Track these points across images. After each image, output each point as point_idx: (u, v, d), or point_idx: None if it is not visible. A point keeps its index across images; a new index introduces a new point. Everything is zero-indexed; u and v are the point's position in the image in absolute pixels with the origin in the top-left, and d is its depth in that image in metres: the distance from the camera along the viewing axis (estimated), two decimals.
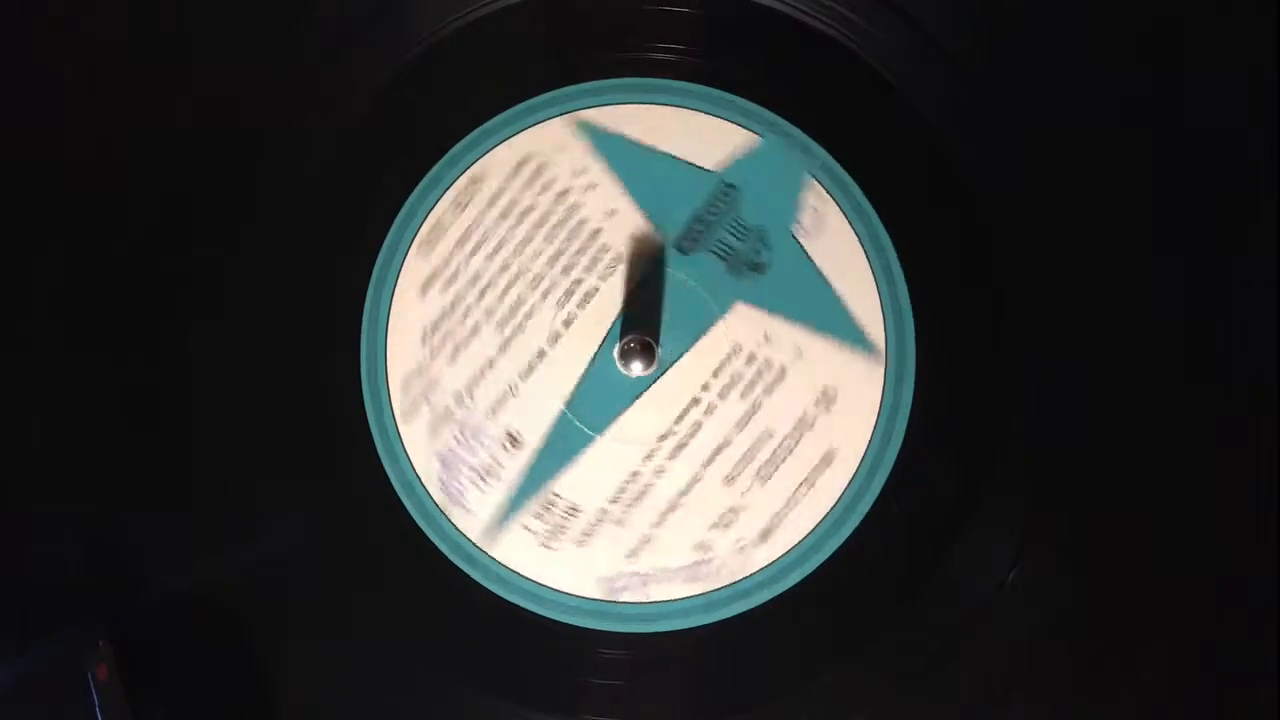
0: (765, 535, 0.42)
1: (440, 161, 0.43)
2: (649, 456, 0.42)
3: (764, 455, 0.42)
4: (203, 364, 0.42)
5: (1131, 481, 0.42)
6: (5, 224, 0.43)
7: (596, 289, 0.43)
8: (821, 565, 0.42)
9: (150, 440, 0.42)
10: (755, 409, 0.42)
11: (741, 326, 0.42)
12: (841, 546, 0.42)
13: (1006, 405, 0.42)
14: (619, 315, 0.43)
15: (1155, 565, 0.42)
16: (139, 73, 0.43)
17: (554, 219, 0.43)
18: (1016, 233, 0.42)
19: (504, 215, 0.43)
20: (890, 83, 0.42)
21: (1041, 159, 0.42)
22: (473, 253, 0.43)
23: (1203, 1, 0.41)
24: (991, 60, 0.42)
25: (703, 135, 0.43)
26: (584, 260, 0.43)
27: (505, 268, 0.43)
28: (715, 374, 0.42)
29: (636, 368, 0.41)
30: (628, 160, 0.43)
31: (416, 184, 0.43)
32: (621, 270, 0.43)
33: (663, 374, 0.42)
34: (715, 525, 0.42)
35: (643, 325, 0.42)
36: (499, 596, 0.42)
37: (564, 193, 0.43)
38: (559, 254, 0.43)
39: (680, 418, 0.42)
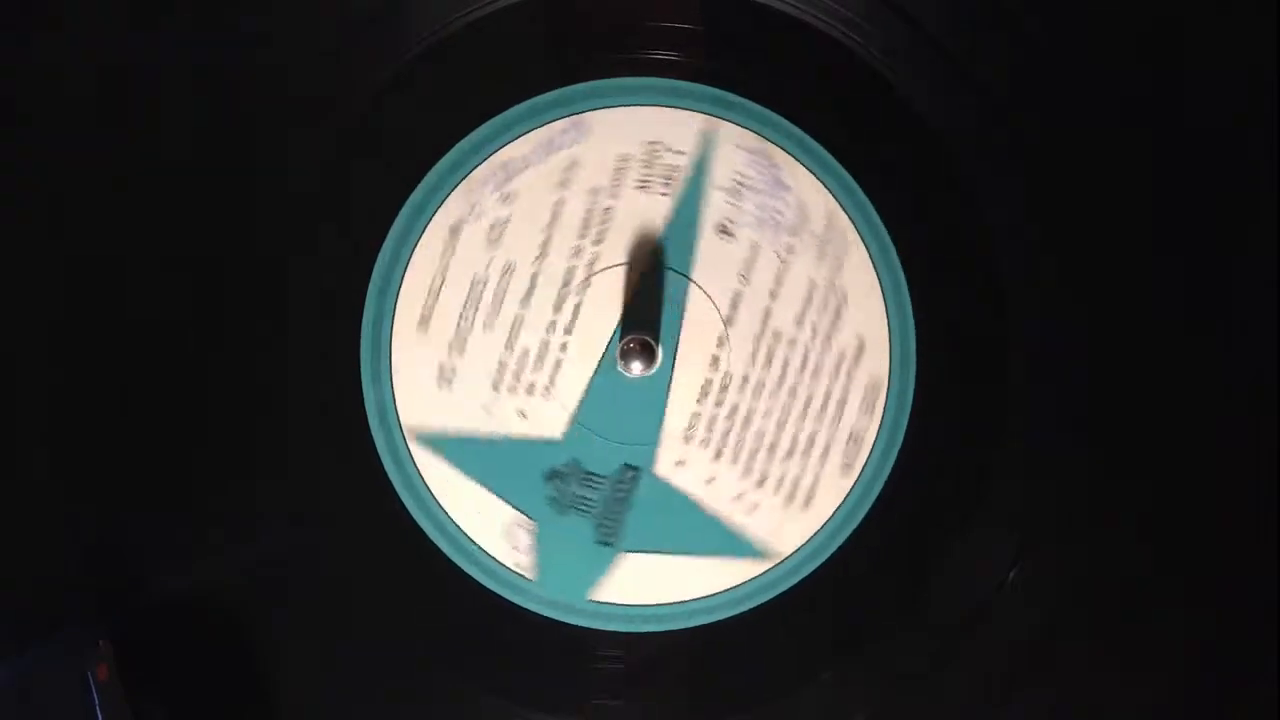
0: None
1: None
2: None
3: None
4: (203, 360, 0.42)
5: (1131, 481, 0.42)
6: (4, 223, 0.43)
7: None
8: (822, 565, 0.42)
9: (150, 440, 0.42)
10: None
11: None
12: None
13: (1007, 405, 0.42)
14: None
15: (1155, 565, 0.42)
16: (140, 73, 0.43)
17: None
18: (1014, 232, 0.42)
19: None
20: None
21: (1063, 224, 0.42)
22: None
23: (1203, 1, 0.41)
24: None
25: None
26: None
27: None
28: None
29: (636, 367, 0.41)
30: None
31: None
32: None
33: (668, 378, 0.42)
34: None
35: (643, 326, 0.42)
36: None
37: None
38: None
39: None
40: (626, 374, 0.40)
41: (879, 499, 0.42)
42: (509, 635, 0.42)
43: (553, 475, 0.42)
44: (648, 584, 0.43)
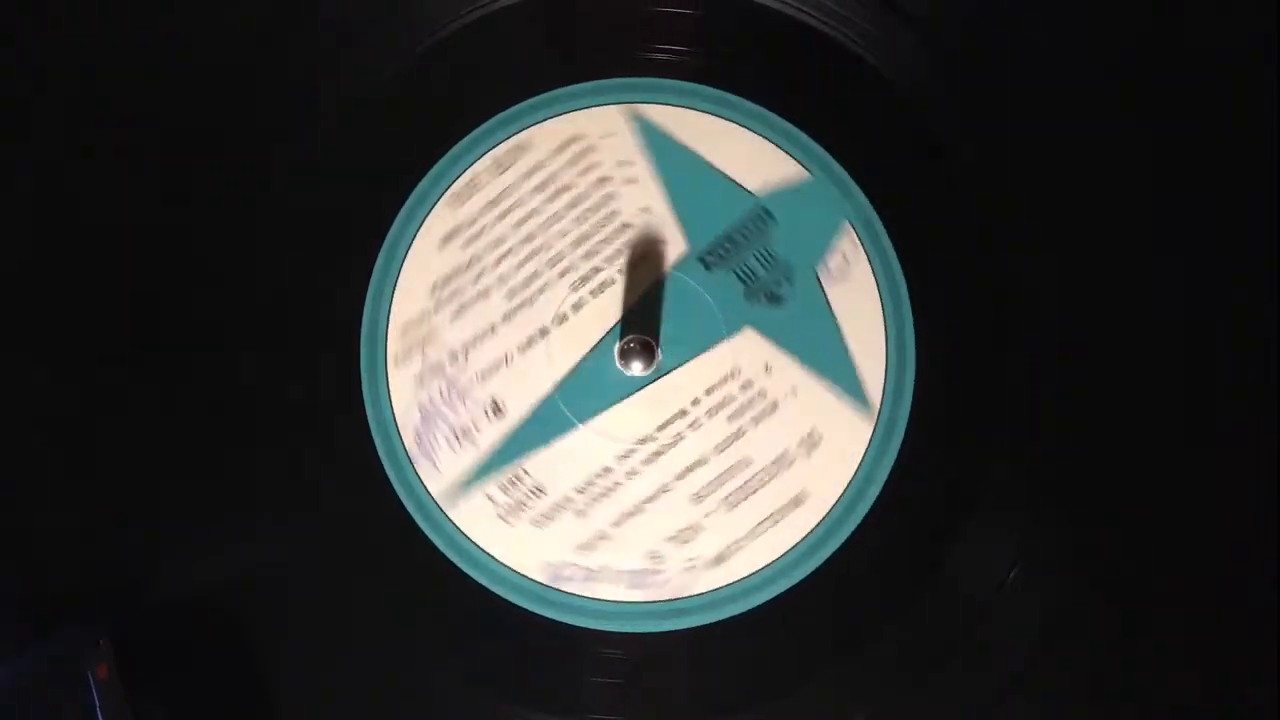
0: (719, 560, 0.42)
1: (489, 122, 0.43)
2: (625, 456, 0.42)
3: (737, 482, 0.42)
4: (203, 361, 0.42)
5: (1131, 481, 0.42)
6: (4, 223, 0.43)
7: (613, 281, 0.43)
8: (822, 565, 0.42)
9: (150, 441, 0.42)
10: (739, 435, 0.42)
11: (746, 351, 0.42)
12: (790, 588, 0.42)
13: (1007, 405, 0.42)
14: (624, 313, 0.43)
15: (1155, 565, 0.42)
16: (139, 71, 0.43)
17: (588, 203, 0.43)
18: (1014, 232, 0.42)
19: (540, 188, 0.43)
20: (944, 147, 0.42)
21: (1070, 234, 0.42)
22: (501, 216, 0.43)
23: (1203, 2, 0.41)
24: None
25: (754, 157, 0.43)
26: (608, 250, 0.43)
27: (529, 239, 0.43)
28: (709, 392, 0.42)
29: (636, 367, 0.41)
30: (674, 163, 0.43)
31: (461, 138, 0.43)
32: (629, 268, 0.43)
33: (657, 379, 0.42)
34: (672, 539, 0.42)
35: (643, 326, 0.42)
36: (446, 558, 0.42)
37: (604, 180, 0.43)
38: (585, 238, 0.43)
39: (665, 425, 0.42)
40: (627, 374, 0.41)
41: (879, 498, 0.42)
42: (509, 635, 0.42)
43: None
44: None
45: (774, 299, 0.42)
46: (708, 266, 0.43)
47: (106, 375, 0.42)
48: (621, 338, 0.42)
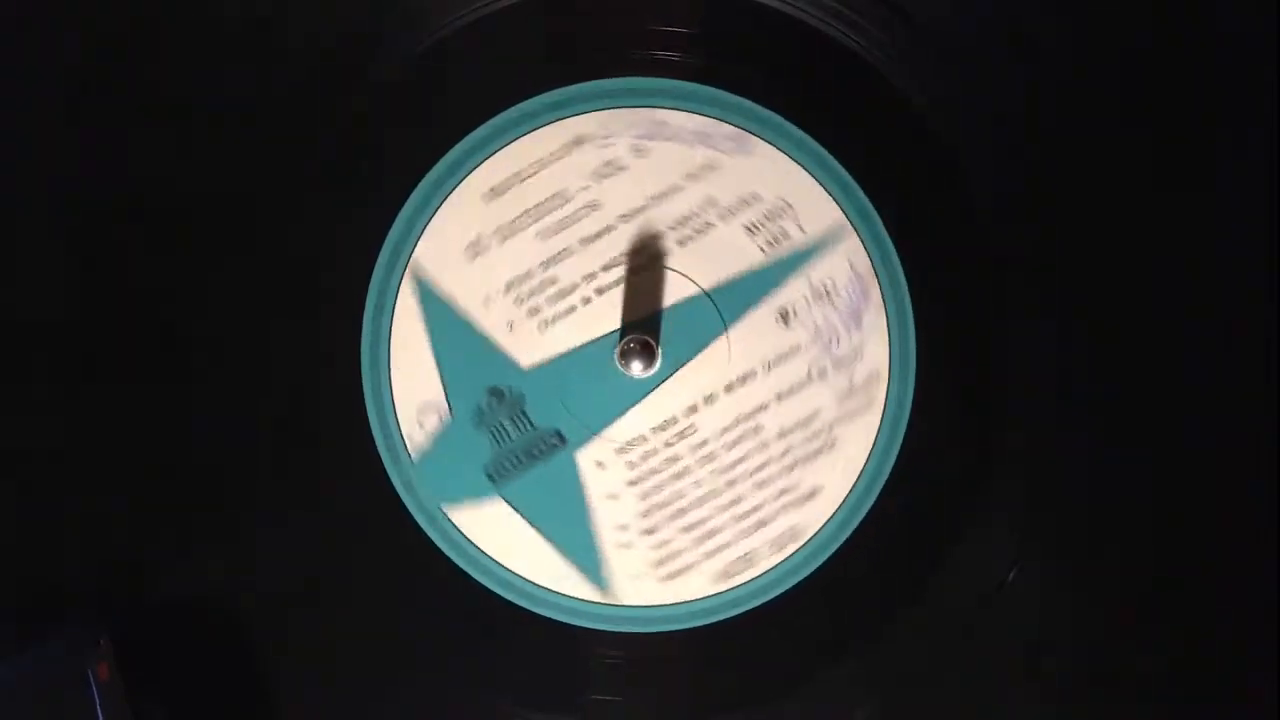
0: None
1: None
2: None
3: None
4: (203, 360, 0.42)
5: (1132, 481, 0.42)
6: (4, 223, 0.43)
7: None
8: (822, 565, 0.42)
9: (150, 440, 0.42)
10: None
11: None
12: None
13: (1007, 405, 0.42)
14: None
15: (1155, 565, 0.42)
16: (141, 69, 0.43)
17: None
18: (1014, 232, 0.42)
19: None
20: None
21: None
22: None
23: (1203, 2, 0.41)
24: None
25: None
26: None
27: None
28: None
29: (636, 368, 0.41)
30: None
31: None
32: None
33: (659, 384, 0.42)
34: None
35: (642, 327, 0.42)
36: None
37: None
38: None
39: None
40: (625, 371, 0.41)
41: (879, 499, 0.42)
42: (509, 635, 0.42)
43: (494, 392, 0.42)
44: (492, 536, 0.42)
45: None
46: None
47: (107, 376, 0.42)
48: (622, 338, 0.41)
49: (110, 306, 0.42)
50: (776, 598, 0.42)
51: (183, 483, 0.42)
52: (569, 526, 0.42)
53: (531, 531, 0.42)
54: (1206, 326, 0.42)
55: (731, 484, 0.42)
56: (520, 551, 0.42)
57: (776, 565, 0.42)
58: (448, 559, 0.42)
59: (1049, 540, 0.42)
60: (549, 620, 0.42)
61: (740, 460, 0.42)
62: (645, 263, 0.42)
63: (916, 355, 0.42)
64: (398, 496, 0.42)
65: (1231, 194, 0.41)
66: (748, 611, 0.42)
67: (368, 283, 0.43)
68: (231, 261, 0.42)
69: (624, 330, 0.42)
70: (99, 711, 0.38)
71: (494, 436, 0.42)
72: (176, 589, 0.42)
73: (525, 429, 0.42)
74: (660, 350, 0.41)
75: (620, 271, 0.42)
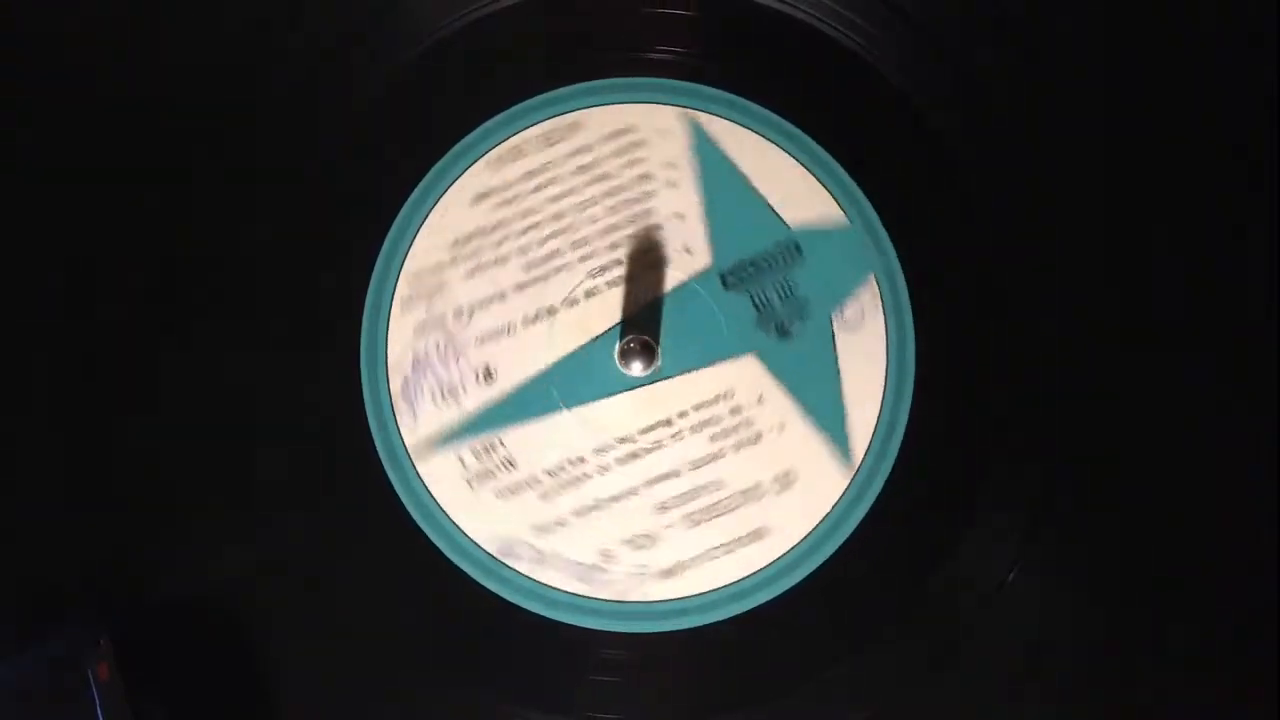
0: (668, 574, 0.42)
1: (544, 95, 0.43)
2: (602, 450, 0.42)
3: (704, 502, 0.42)
4: (203, 360, 0.42)
5: (1132, 481, 0.42)
6: (6, 220, 0.43)
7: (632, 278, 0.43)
8: (821, 565, 0.42)
9: (150, 440, 0.42)
10: (716, 457, 0.42)
11: (744, 377, 0.43)
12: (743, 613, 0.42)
13: (1007, 406, 0.42)
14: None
15: (1155, 565, 0.42)
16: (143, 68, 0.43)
17: (625, 195, 0.43)
18: (1014, 232, 0.42)
19: (582, 170, 0.43)
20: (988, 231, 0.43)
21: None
22: (537, 189, 0.43)
23: (1203, 3, 0.41)
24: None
25: (797, 190, 0.43)
26: (632, 246, 0.43)
27: (558, 217, 0.43)
28: (698, 407, 0.42)
29: (636, 368, 0.41)
30: (719, 177, 0.43)
31: (516, 103, 0.43)
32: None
33: (651, 383, 0.42)
34: (627, 542, 0.42)
35: (645, 328, 0.42)
36: (407, 511, 0.42)
37: (646, 176, 0.43)
38: (613, 228, 0.43)
39: (648, 430, 0.43)
40: (628, 373, 0.41)
41: (879, 499, 0.42)
42: (509, 635, 0.42)
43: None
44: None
45: (783, 332, 0.43)
46: (726, 285, 0.43)
47: (107, 376, 0.42)
48: (622, 337, 0.42)
49: (110, 306, 0.42)
50: (776, 597, 0.42)
51: (183, 483, 0.42)
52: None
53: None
54: (1206, 326, 0.42)
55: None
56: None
57: (776, 563, 0.42)
58: (447, 558, 0.42)
59: (1049, 540, 0.42)
60: (549, 620, 0.42)
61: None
62: (647, 266, 0.42)
63: (916, 355, 0.42)
64: (398, 496, 0.42)
65: (1232, 194, 0.41)
66: (748, 611, 0.42)
67: (368, 282, 0.43)
68: (231, 261, 0.42)
69: (623, 328, 0.42)
70: (99, 711, 0.38)
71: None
72: (176, 589, 0.42)
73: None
74: (659, 349, 0.42)
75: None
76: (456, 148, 0.43)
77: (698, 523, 0.42)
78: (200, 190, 0.43)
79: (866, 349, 0.42)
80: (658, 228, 0.43)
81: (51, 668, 0.39)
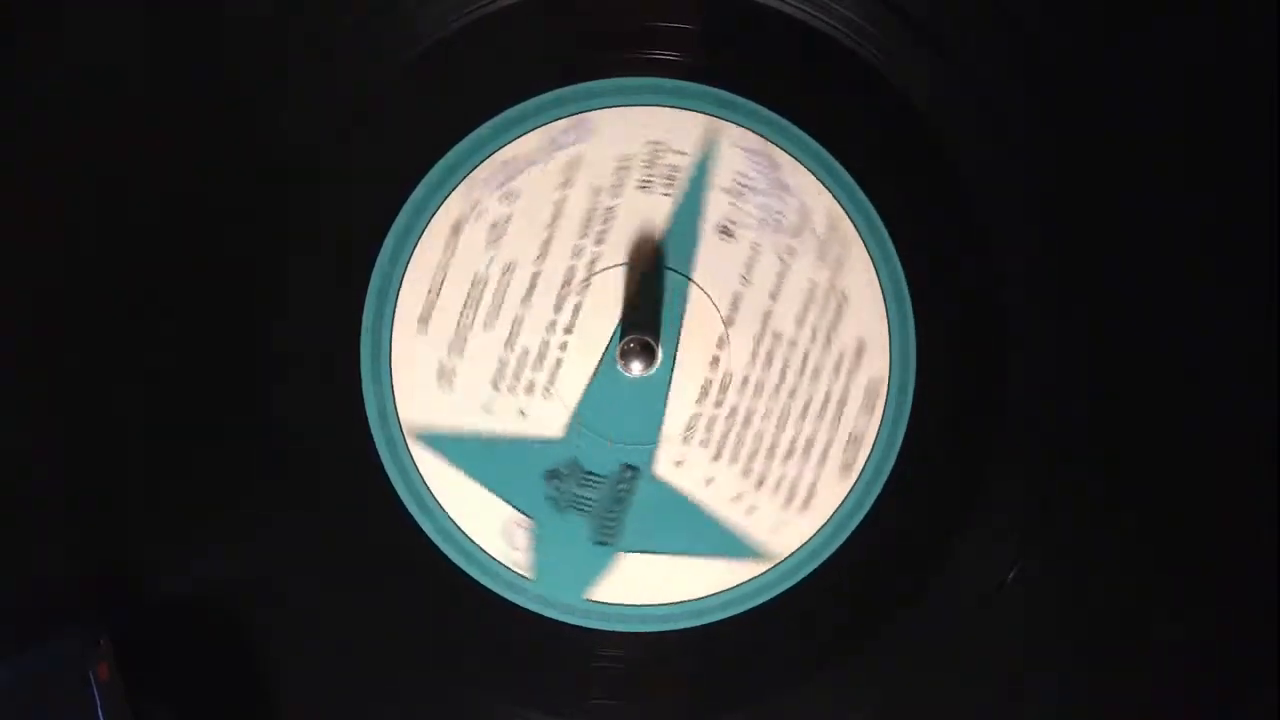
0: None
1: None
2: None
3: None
4: (203, 359, 0.42)
5: (1132, 481, 0.42)
6: (5, 221, 0.43)
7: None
8: (821, 565, 0.42)
9: (150, 440, 0.42)
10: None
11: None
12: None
13: (1007, 406, 0.42)
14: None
15: (1155, 565, 0.42)
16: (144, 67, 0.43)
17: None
18: (1014, 232, 0.42)
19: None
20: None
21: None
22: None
23: (1202, 3, 0.41)
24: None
25: None
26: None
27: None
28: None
29: (636, 367, 0.41)
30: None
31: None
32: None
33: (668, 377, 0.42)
34: None
35: (643, 326, 0.42)
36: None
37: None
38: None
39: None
40: (626, 374, 0.40)
41: (879, 499, 0.42)
42: (509, 635, 0.42)
43: (552, 475, 0.42)
44: (645, 584, 0.43)
45: None
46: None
47: (107, 375, 0.42)
48: (622, 337, 0.41)
49: (110, 305, 0.42)
50: (776, 597, 0.42)
51: (182, 483, 0.42)
52: (699, 531, 0.42)
53: (676, 559, 0.42)
54: (1207, 326, 0.42)
55: (791, 393, 0.42)
56: (686, 581, 0.43)
57: (776, 565, 0.42)
58: (447, 558, 0.42)
59: (1049, 540, 0.42)
60: (549, 619, 0.42)
61: (784, 370, 0.42)
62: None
63: (916, 355, 0.42)
64: (397, 496, 0.42)
65: (1232, 193, 0.41)
66: (747, 611, 0.42)
67: (369, 277, 0.43)
68: (231, 261, 0.42)
69: (623, 330, 0.42)
70: (99, 711, 0.38)
71: (578, 509, 0.42)
72: (176, 589, 0.42)
73: (599, 484, 0.42)
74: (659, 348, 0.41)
75: (575, 303, 0.42)
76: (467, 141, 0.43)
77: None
78: (199, 190, 0.43)
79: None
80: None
81: (51, 668, 0.39)
